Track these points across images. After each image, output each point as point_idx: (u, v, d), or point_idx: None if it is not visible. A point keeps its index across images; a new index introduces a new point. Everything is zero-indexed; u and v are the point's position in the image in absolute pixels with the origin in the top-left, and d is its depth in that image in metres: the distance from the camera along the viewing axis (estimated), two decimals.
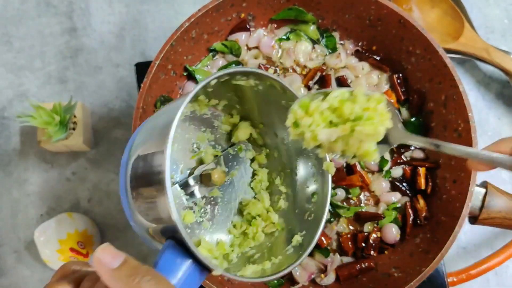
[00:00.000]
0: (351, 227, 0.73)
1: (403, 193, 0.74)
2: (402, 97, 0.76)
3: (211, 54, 0.77)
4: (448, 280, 0.73)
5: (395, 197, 0.73)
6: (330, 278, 0.71)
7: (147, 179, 0.46)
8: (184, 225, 0.52)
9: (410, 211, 0.72)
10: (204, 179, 0.58)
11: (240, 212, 0.64)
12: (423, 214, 0.71)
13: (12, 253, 0.79)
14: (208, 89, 0.55)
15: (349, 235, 0.72)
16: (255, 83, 0.57)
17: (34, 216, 0.80)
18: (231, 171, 0.63)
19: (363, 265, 0.71)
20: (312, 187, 0.63)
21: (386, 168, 0.74)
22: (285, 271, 0.54)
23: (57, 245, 0.73)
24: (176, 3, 0.88)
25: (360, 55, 0.78)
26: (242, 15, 0.75)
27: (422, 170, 0.73)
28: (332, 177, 0.72)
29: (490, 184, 0.69)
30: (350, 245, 0.72)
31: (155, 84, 0.69)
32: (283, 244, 0.60)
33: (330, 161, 0.60)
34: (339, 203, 0.73)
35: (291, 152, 0.64)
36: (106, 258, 0.40)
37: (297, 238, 0.59)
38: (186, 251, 0.44)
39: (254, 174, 0.65)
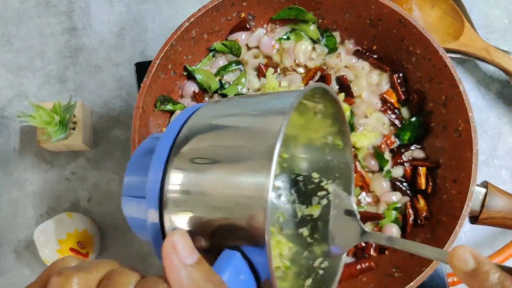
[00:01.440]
0: None
1: (404, 193, 0.74)
2: (402, 97, 0.76)
3: (211, 53, 0.76)
4: (448, 280, 0.73)
5: (396, 197, 0.73)
6: None
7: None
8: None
9: (410, 211, 0.72)
10: None
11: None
12: (424, 214, 0.71)
13: (12, 253, 0.79)
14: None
15: None
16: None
17: (34, 216, 0.80)
18: None
19: (363, 265, 0.71)
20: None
21: (386, 168, 0.74)
22: None
23: (57, 245, 0.73)
24: (176, 3, 0.88)
25: (360, 55, 0.78)
26: (242, 15, 0.75)
27: (422, 170, 0.73)
28: None
29: (491, 184, 0.69)
30: None
31: (155, 84, 0.68)
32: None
33: None
34: None
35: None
36: (183, 249, 0.32)
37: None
38: (251, 267, 0.35)
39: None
